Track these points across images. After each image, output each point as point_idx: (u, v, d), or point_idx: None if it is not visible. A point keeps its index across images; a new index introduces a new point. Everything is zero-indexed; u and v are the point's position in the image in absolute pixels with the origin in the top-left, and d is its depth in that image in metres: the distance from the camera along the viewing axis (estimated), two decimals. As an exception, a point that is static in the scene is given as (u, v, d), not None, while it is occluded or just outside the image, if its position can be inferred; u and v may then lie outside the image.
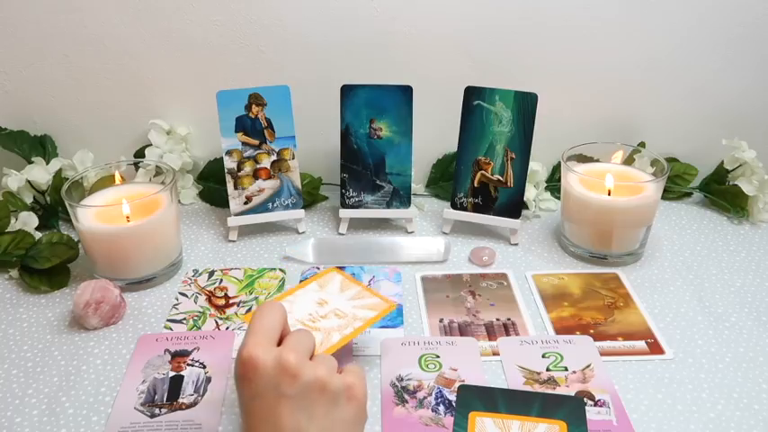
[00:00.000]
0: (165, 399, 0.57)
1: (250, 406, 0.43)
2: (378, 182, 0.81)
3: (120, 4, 0.80)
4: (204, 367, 0.60)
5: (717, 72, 0.87)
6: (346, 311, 0.59)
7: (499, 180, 0.78)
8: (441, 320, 0.67)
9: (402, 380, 0.59)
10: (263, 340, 0.44)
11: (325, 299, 0.60)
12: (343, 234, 0.83)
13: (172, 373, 0.60)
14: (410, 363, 0.61)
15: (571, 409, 0.55)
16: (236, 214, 0.80)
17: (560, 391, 0.57)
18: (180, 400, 0.57)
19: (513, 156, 0.77)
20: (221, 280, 0.74)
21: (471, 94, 0.76)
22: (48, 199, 0.83)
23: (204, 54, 0.84)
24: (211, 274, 0.75)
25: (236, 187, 0.79)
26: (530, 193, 0.85)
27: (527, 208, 0.86)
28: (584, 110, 0.89)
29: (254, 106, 0.77)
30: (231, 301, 0.70)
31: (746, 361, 0.61)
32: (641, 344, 0.63)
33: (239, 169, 0.79)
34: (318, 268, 0.75)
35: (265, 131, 0.79)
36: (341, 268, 0.75)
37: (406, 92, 0.77)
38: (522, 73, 0.85)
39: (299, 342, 0.46)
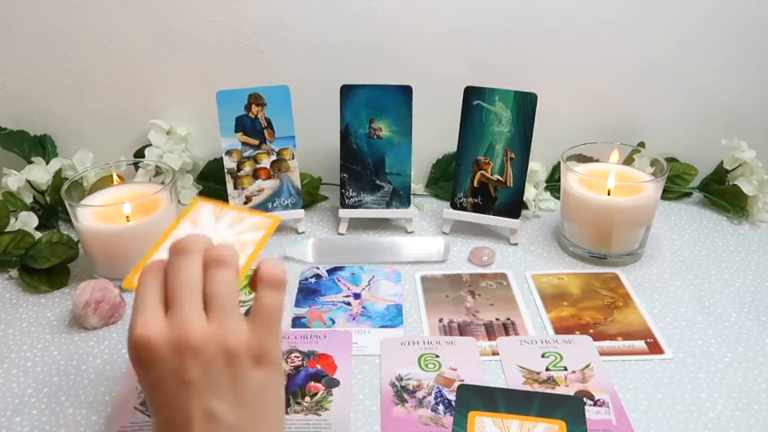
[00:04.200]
0: (164, 398, 0.57)
1: (153, 394, 0.39)
2: (377, 182, 0.81)
3: (120, 4, 0.80)
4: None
5: (717, 72, 0.87)
6: (230, 241, 0.49)
7: (499, 180, 0.78)
8: (440, 320, 0.67)
9: (401, 379, 0.59)
10: (153, 316, 0.38)
11: (203, 234, 0.49)
12: (342, 234, 0.83)
13: (171, 373, 0.60)
14: (410, 362, 0.61)
15: (570, 408, 0.55)
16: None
17: (560, 390, 0.57)
18: (179, 400, 0.56)
19: (513, 156, 0.77)
20: (221, 280, 0.73)
21: (471, 94, 0.77)
22: (48, 199, 0.83)
23: (204, 54, 0.84)
24: (211, 273, 0.75)
25: (235, 187, 0.79)
26: (529, 193, 0.85)
27: (527, 208, 0.86)
28: (584, 110, 0.89)
29: (253, 106, 0.77)
30: (231, 301, 0.70)
31: (746, 361, 0.61)
32: (641, 344, 0.63)
33: (239, 169, 0.79)
34: (318, 268, 0.76)
35: (265, 131, 0.79)
36: (340, 268, 0.76)
37: (405, 92, 0.77)
38: (522, 73, 0.85)
39: (189, 299, 0.39)
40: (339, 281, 0.74)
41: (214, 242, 0.43)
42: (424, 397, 0.57)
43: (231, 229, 0.51)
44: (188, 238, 0.41)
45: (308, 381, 0.59)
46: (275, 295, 0.40)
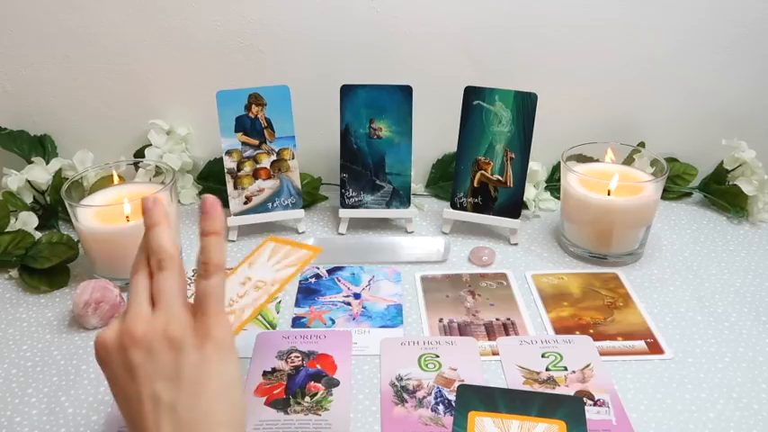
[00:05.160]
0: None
1: (113, 389, 0.42)
2: (377, 182, 0.81)
3: (120, 4, 0.80)
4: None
5: (717, 72, 0.87)
6: (267, 279, 0.55)
7: (499, 180, 0.78)
8: (440, 320, 0.67)
9: (401, 379, 0.59)
10: (113, 324, 0.43)
11: (250, 275, 0.57)
12: (342, 234, 0.83)
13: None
14: (410, 362, 0.61)
15: (570, 408, 0.55)
16: (236, 214, 0.80)
17: (560, 390, 0.57)
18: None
19: (513, 156, 0.77)
20: (221, 280, 0.73)
21: (471, 94, 0.77)
22: (48, 199, 0.83)
23: (204, 54, 0.84)
24: (211, 273, 0.75)
25: (235, 187, 0.79)
26: (529, 193, 0.85)
27: (527, 208, 0.86)
28: (584, 110, 0.89)
29: (253, 106, 0.77)
30: (231, 301, 0.70)
31: (746, 361, 0.61)
32: (641, 343, 0.63)
33: (239, 169, 0.79)
34: (318, 268, 0.76)
35: (265, 131, 0.79)
36: (340, 268, 0.76)
37: (405, 92, 0.77)
38: (522, 73, 0.85)
39: (136, 302, 0.43)
40: (339, 281, 0.74)
41: (253, 280, 0.55)
42: (424, 397, 0.57)
43: (276, 265, 0.57)
44: (136, 257, 0.46)
45: (308, 381, 0.59)
46: (211, 280, 0.43)
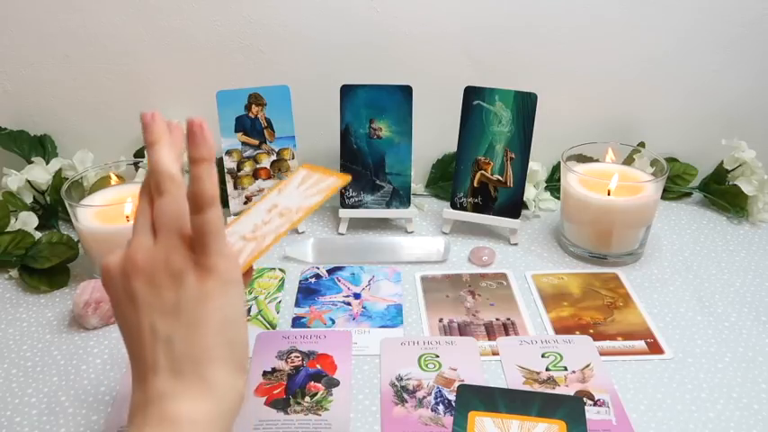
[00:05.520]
0: (164, 398, 0.57)
1: (115, 313, 0.42)
2: (377, 182, 0.81)
3: (120, 4, 0.80)
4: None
5: (717, 72, 0.87)
6: (292, 206, 0.53)
7: (499, 180, 0.78)
8: (440, 320, 0.67)
9: (401, 379, 0.59)
10: (118, 249, 0.42)
11: (277, 202, 0.55)
12: (342, 234, 0.83)
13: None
14: (409, 362, 0.61)
15: (570, 408, 0.55)
16: (236, 214, 0.80)
17: (560, 390, 0.57)
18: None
19: (513, 156, 0.77)
20: (221, 280, 0.73)
21: (471, 94, 0.77)
22: (48, 199, 0.83)
23: (204, 54, 0.84)
24: (211, 273, 0.75)
25: (235, 187, 0.79)
26: (529, 193, 0.85)
27: (527, 208, 0.86)
28: (584, 110, 0.89)
29: (253, 106, 0.77)
30: (231, 301, 0.70)
31: (746, 361, 0.61)
32: (641, 343, 0.63)
33: (239, 169, 0.79)
34: (318, 268, 0.76)
35: (265, 131, 0.79)
36: (340, 268, 0.76)
37: (405, 92, 0.77)
38: (522, 73, 0.85)
39: (139, 227, 0.41)
40: (339, 281, 0.74)
41: (280, 207, 0.52)
42: (424, 397, 0.57)
43: (305, 192, 0.55)
44: (144, 179, 0.43)
45: (308, 381, 0.59)
46: (207, 213, 0.40)
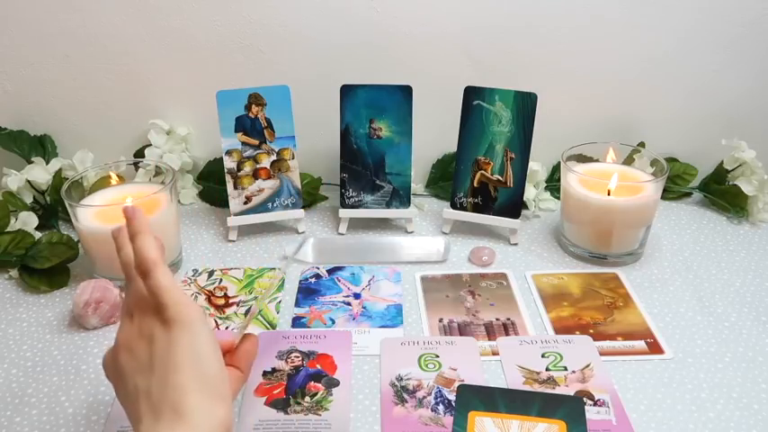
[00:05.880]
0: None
1: (116, 394, 0.46)
2: (377, 182, 0.81)
3: (120, 4, 0.80)
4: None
5: (717, 72, 0.87)
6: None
7: (499, 180, 0.78)
8: (440, 320, 0.67)
9: (401, 379, 0.59)
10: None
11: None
12: (342, 234, 0.83)
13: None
14: (410, 362, 0.61)
15: (570, 408, 0.55)
16: (236, 214, 0.80)
17: (560, 390, 0.57)
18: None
19: (513, 156, 0.77)
20: (221, 280, 0.74)
21: (471, 94, 0.77)
22: (48, 199, 0.83)
23: (204, 54, 0.84)
24: (211, 273, 0.75)
25: (235, 187, 0.79)
26: (529, 193, 0.85)
27: (527, 208, 0.86)
28: (584, 110, 0.89)
29: (253, 106, 0.77)
30: (230, 301, 0.70)
31: (746, 361, 0.61)
32: (641, 343, 0.63)
33: (239, 169, 0.79)
34: (318, 268, 0.76)
35: (265, 131, 0.79)
36: (340, 268, 0.76)
37: (405, 92, 0.77)
38: (522, 73, 0.85)
39: (122, 316, 0.47)
40: (339, 281, 0.74)
41: None
42: (424, 397, 0.57)
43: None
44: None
45: (308, 381, 0.59)
46: (154, 276, 0.43)
